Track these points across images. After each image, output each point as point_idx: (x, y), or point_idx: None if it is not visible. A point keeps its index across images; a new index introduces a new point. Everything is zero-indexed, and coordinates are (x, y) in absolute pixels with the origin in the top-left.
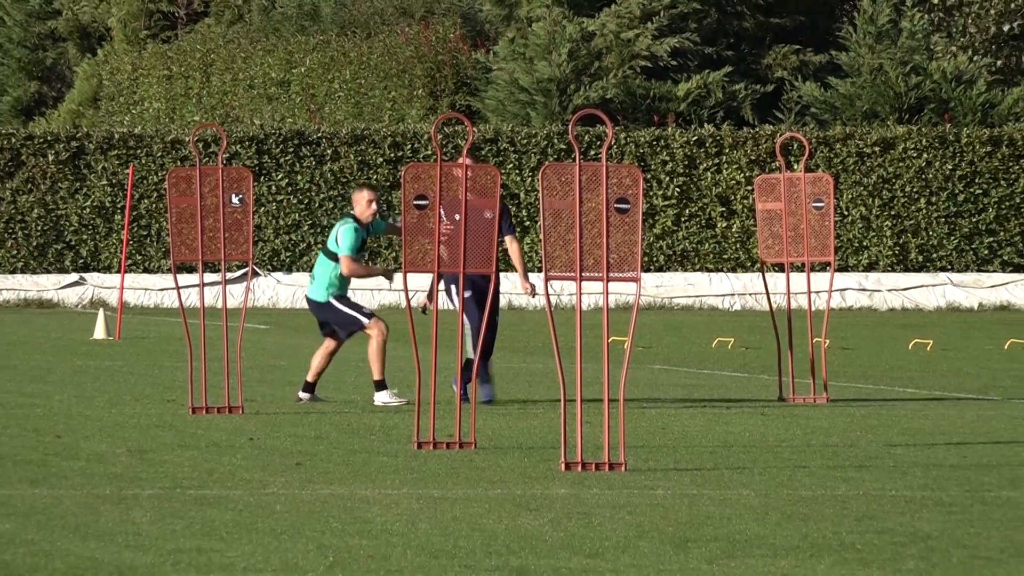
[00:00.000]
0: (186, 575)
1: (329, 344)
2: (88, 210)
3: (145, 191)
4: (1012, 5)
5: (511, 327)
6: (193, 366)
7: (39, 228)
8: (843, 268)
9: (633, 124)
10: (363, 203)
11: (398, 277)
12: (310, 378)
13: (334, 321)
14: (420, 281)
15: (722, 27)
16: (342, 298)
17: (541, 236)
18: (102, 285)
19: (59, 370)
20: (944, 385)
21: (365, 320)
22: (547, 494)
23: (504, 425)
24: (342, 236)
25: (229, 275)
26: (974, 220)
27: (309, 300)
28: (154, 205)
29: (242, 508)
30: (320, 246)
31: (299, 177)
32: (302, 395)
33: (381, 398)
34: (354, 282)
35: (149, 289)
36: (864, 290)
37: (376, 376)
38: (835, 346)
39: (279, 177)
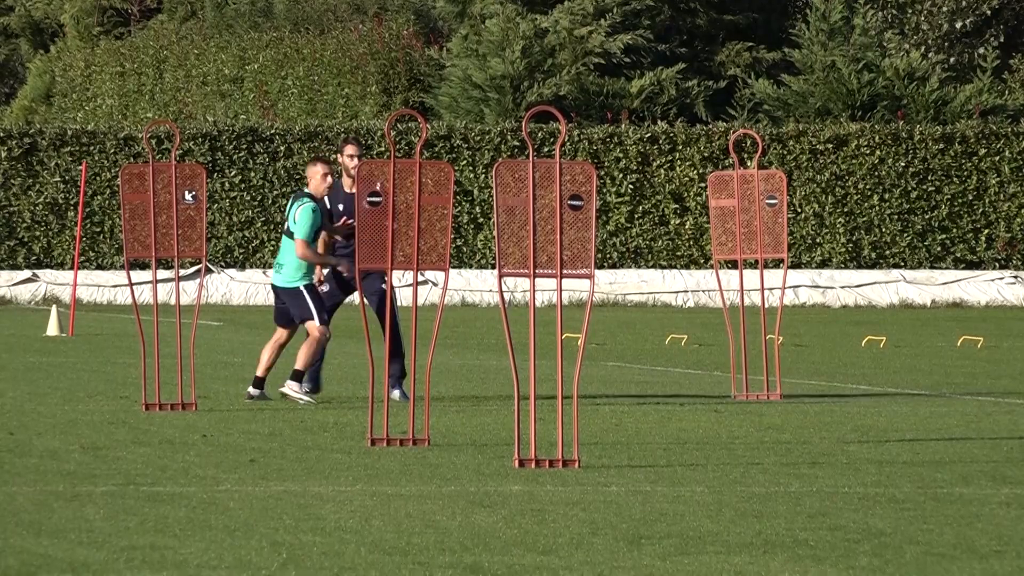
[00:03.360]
0: (139, 572)
1: (280, 335)
2: (41, 207)
3: (98, 188)
4: (963, 2)
5: (464, 324)
6: (146, 363)
7: None
8: (796, 265)
9: (586, 121)
10: (317, 177)
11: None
12: (260, 373)
13: (293, 306)
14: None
15: (675, 24)
16: (312, 289)
17: (495, 233)
18: (55, 282)
19: (11, 367)
20: (897, 382)
21: (316, 321)
22: (501, 491)
23: (458, 422)
24: (300, 217)
25: (182, 272)
26: (927, 217)
27: (277, 288)
28: (107, 202)
29: (195, 505)
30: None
31: (252, 174)
32: (252, 391)
33: (291, 387)
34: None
35: (102, 286)
36: (817, 287)
37: (298, 364)
38: (788, 343)
39: (232, 174)
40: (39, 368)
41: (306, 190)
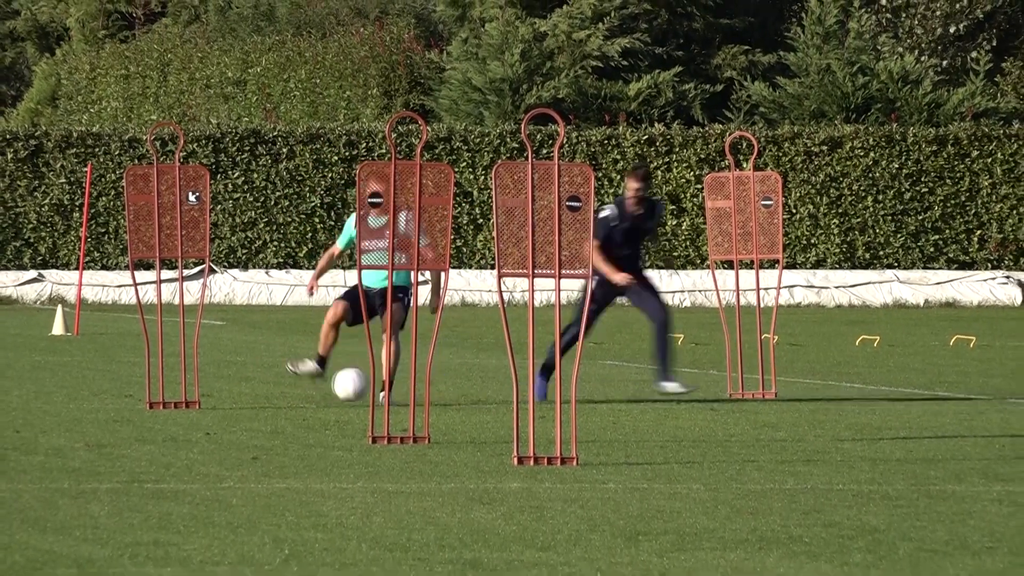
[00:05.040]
0: (143, 568)
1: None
2: (47, 208)
3: (103, 189)
4: (957, 6)
5: (464, 324)
6: (150, 362)
7: None
8: (791, 265)
9: (584, 123)
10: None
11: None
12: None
13: None
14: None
15: (672, 28)
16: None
17: (494, 234)
18: (60, 282)
19: (18, 366)
20: (890, 380)
21: (336, 298)
22: (500, 488)
23: (458, 420)
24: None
25: (186, 272)
26: (920, 218)
27: None
28: (112, 203)
29: (199, 502)
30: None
31: (255, 175)
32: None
33: (303, 366)
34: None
35: (107, 286)
36: (812, 287)
37: (320, 351)
38: (783, 342)
39: (235, 175)
40: (45, 367)
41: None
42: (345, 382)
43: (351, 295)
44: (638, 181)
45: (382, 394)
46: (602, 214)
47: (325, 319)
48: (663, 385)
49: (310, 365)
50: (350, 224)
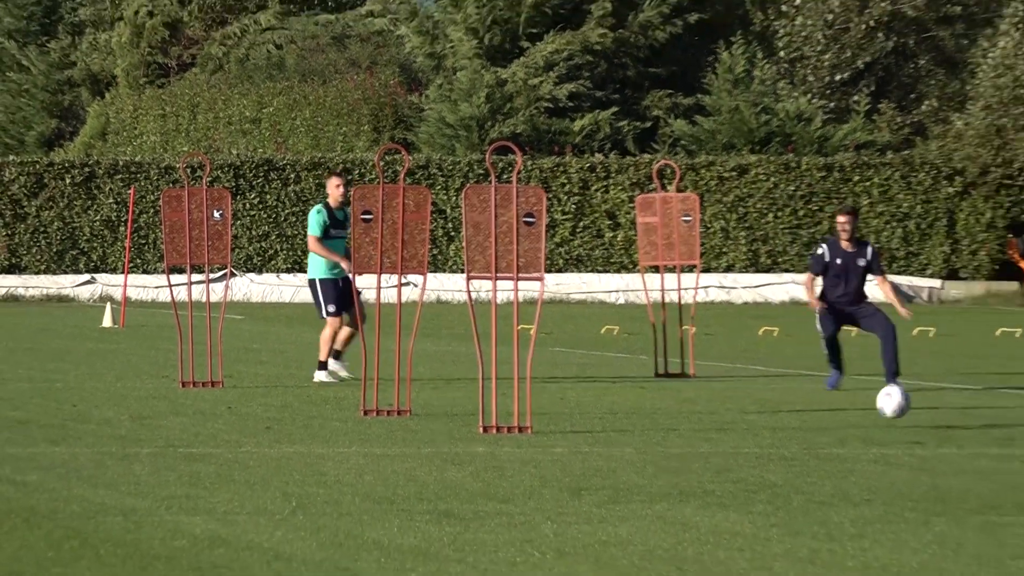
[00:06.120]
0: (177, 517)
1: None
2: (98, 223)
3: (144, 208)
4: (842, 58)
5: (439, 317)
6: (182, 348)
7: (58, 237)
8: (707, 269)
9: (538, 154)
10: (332, 187)
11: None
12: (338, 347)
13: (313, 299)
14: (368, 279)
15: (609, 75)
16: (324, 283)
17: (464, 244)
18: (109, 284)
19: (74, 352)
20: (787, 364)
21: (324, 314)
22: (468, 452)
23: (434, 396)
24: (310, 217)
25: (212, 275)
26: (812, 231)
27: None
28: (151, 219)
29: (222, 463)
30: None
31: (268, 196)
32: (333, 365)
33: (319, 376)
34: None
35: (147, 287)
36: (723, 287)
37: (321, 357)
38: (700, 333)
39: (252, 196)
40: (96, 353)
41: (326, 198)
42: (891, 402)
43: (337, 302)
44: (845, 215)
45: (342, 364)
46: (817, 251)
47: (327, 333)
48: (891, 388)
49: (323, 375)
50: (313, 215)
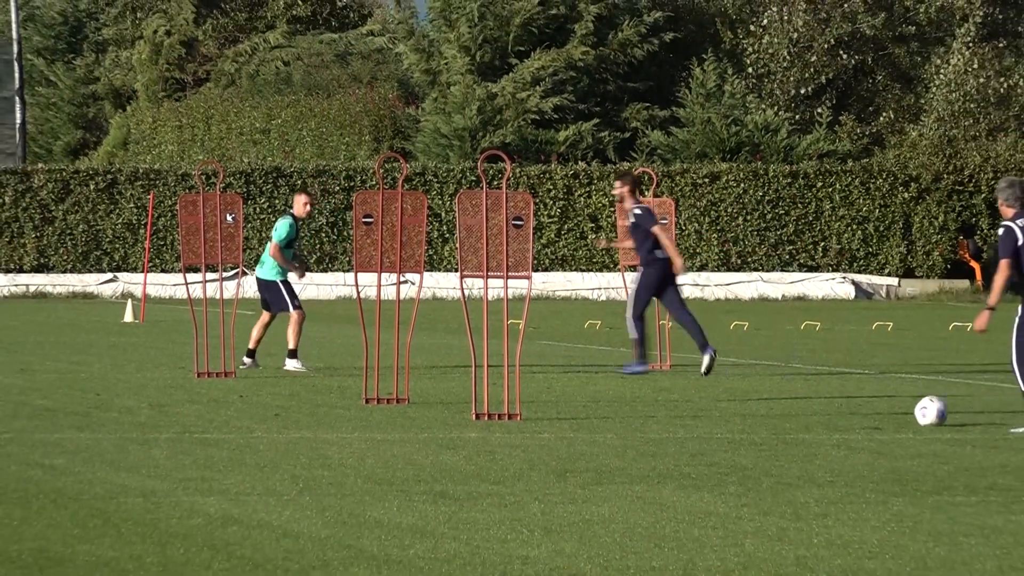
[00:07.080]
0: (193, 497)
1: (265, 317)
2: (119, 226)
3: (162, 212)
4: (806, 74)
5: (435, 313)
6: (198, 342)
7: (83, 239)
8: None
9: (525, 162)
10: (299, 203)
11: (309, 276)
12: (251, 346)
13: (270, 298)
14: (369, 278)
15: (591, 89)
16: (286, 284)
17: (458, 245)
18: (130, 282)
19: (98, 345)
20: (757, 355)
21: (291, 309)
22: (462, 437)
23: (430, 386)
24: (279, 226)
25: (224, 274)
26: (778, 233)
27: (258, 279)
28: (169, 222)
29: (235, 448)
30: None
31: (277, 201)
32: (246, 360)
33: (291, 364)
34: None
35: (165, 284)
36: (697, 285)
37: (290, 345)
38: (675, 327)
39: (262, 201)
40: (118, 346)
41: (291, 210)
42: (930, 412)
43: (295, 298)
44: None
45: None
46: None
47: (296, 322)
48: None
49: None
50: (284, 226)
